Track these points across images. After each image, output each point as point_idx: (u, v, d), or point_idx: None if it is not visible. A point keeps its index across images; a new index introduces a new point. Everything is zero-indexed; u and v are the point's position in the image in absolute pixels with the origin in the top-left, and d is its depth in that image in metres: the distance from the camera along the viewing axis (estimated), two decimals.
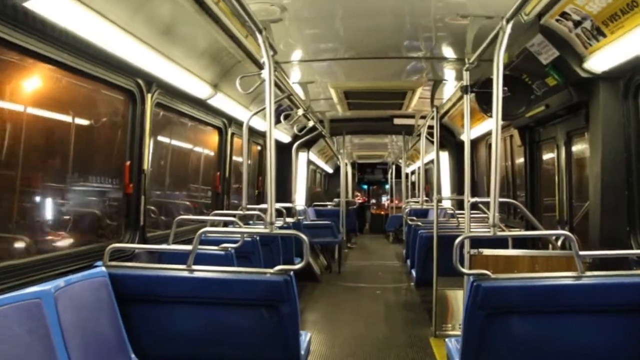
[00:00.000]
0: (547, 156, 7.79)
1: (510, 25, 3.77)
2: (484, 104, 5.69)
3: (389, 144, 18.77)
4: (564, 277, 3.82)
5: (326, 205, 16.00)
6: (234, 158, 8.59)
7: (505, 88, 4.48)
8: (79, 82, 4.66)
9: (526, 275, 4.09)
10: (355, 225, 19.85)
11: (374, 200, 29.18)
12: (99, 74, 4.49)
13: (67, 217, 4.98)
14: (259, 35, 3.99)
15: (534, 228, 6.26)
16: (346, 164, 18.37)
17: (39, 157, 4.54)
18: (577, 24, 4.51)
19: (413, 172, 21.93)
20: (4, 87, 4.00)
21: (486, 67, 5.36)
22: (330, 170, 23.42)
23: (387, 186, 26.99)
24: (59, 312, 3.27)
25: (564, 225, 6.80)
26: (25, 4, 3.13)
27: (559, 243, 5.91)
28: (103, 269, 4.00)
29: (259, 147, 10.77)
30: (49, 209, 4.71)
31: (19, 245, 4.15)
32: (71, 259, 4.26)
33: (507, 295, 3.74)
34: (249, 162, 9.29)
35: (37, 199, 4.54)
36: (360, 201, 25.99)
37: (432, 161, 14.39)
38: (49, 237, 4.59)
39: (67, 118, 4.86)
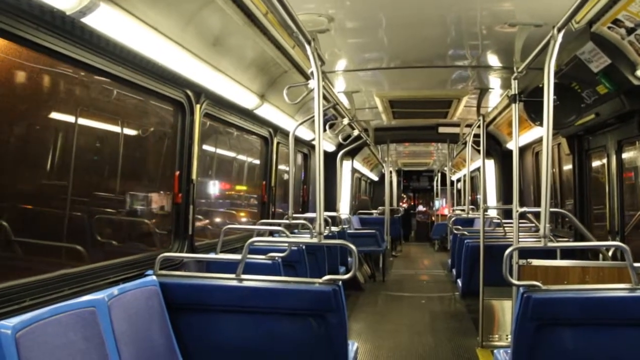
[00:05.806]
0: (596, 164, 7.65)
1: (561, 34, 3.74)
2: (532, 113, 5.62)
3: (433, 152, 18.65)
4: (617, 289, 3.75)
5: (371, 214, 15.93)
6: (279, 167, 8.62)
7: (555, 97, 4.43)
8: (131, 93, 4.76)
9: (578, 286, 4.02)
10: (400, 233, 19.51)
11: (421, 208, 28.66)
12: (150, 86, 4.58)
13: (119, 226, 5.07)
14: (307, 46, 4.02)
15: (583, 238, 6.15)
16: (391, 172, 18.34)
17: (94, 166, 4.64)
18: (630, 31, 4.42)
19: (459, 180, 21.78)
20: (63, 100, 4.11)
21: (534, 75, 5.31)
22: (375, 178, 23.34)
23: (433, 194, 26.74)
24: (112, 320, 3.35)
25: (614, 236, 6.66)
26: (83, 20, 3.21)
27: (610, 253, 5.80)
28: (154, 277, 4.07)
29: (303, 156, 10.82)
30: (103, 218, 4.80)
31: (73, 254, 4.23)
32: (122, 267, 4.34)
33: (559, 307, 3.69)
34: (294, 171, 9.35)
35: (94, 208, 4.63)
36: (405, 206, 25.78)
37: (477, 169, 14.28)
38: (102, 246, 4.68)
39: (123, 130, 4.96)
